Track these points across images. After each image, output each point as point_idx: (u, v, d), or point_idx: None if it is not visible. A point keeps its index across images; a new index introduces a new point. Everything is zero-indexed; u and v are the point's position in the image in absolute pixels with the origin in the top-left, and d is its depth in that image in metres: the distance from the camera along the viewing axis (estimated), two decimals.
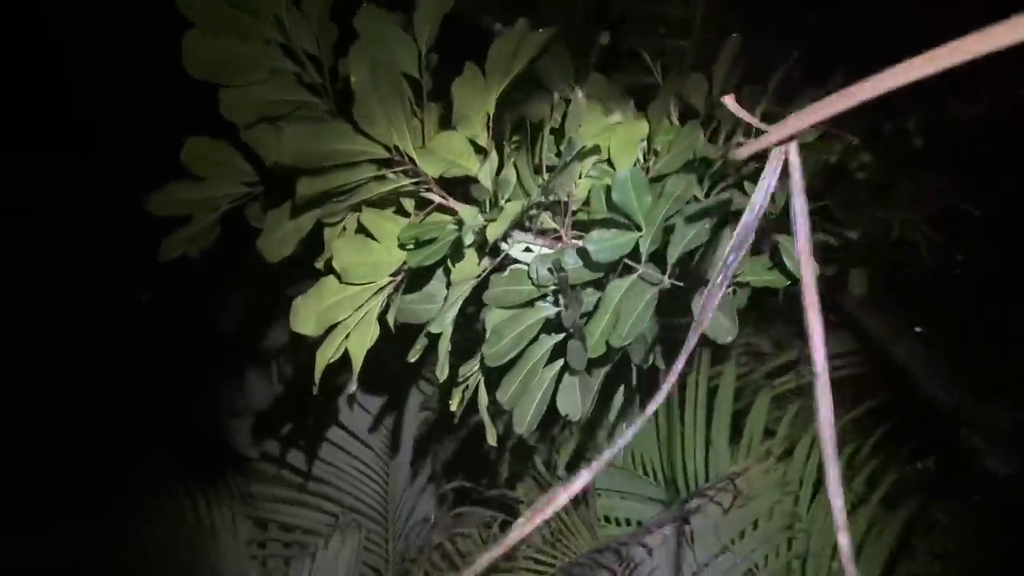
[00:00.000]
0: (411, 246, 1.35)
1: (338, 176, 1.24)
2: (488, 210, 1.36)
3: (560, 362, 1.50)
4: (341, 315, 1.31)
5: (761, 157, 1.00)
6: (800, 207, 1.00)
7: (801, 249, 1.04)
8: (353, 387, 1.34)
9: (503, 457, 2.91)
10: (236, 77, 1.30)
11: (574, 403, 1.43)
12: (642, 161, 1.72)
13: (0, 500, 3.37)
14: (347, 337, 1.34)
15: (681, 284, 1.50)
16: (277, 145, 1.14)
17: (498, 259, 1.55)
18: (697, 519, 2.68)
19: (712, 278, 1.43)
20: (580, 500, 2.93)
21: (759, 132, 0.99)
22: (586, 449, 2.93)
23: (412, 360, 1.59)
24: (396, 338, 1.57)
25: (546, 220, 1.59)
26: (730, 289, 1.91)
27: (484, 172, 1.34)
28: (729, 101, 0.99)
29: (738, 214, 1.56)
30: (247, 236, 1.46)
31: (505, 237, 1.55)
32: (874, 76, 0.92)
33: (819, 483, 3.12)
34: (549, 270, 1.51)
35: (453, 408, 1.66)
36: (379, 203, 1.41)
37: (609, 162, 1.64)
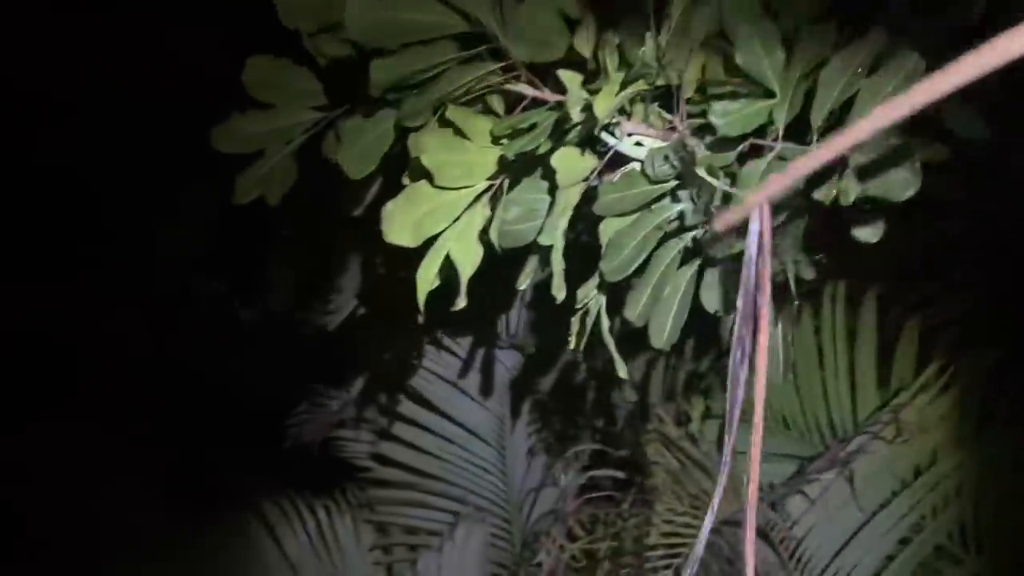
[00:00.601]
0: (506, 140, 1.16)
1: (416, 56, 1.06)
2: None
3: (695, 262, 1.28)
4: (438, 225, 1.13)
5: None
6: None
7: None
8: (462, 303, 1.16)
9: (629, 415, 2.69)
10: None
11: (721, 296, 1.20)
12: None
13: (123, 518, 3.39)
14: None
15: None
16: (346, 16, 0.97)
17: (606, 157, 1.34)
18: (858, 465, 2.39)
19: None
20: (718, 464, 2.67)
21: None
22: (718, 400, 2.67)
23: (522, 287, 1.40)
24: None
25: (656, 116, 1.37)
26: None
27: (581, 38, 1.14)
28: None
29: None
30: None
31: (612, 130, 1.35)
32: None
33: (985, 416, 2.76)
34: (666, 159, 1.30)
35: (573, 344, 1.46)
36: (465, 100, 1.22)
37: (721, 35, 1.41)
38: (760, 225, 1.01)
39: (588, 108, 1.14)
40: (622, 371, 1.45)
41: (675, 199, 1.35)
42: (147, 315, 4.55)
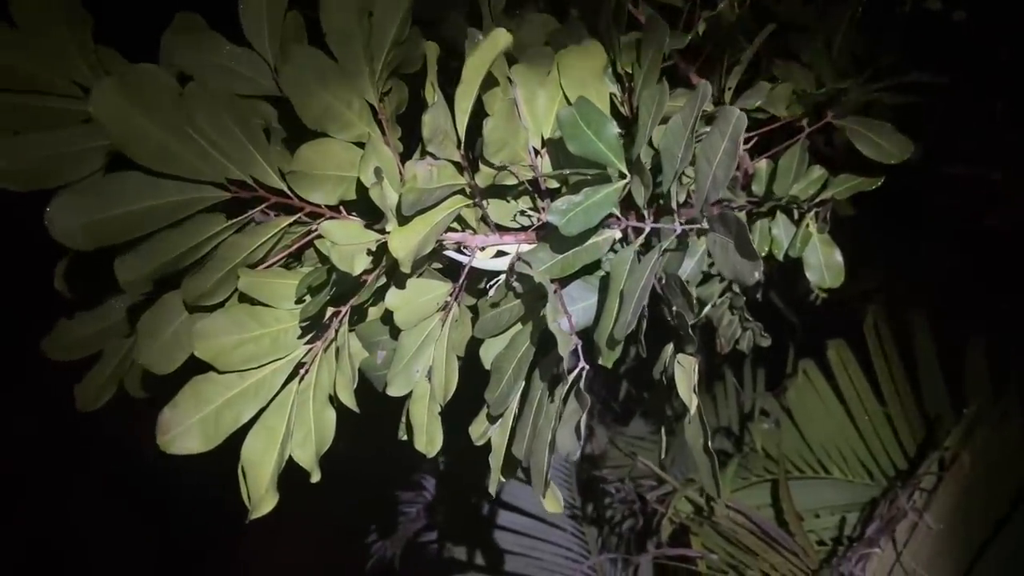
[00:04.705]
0: (307, 297, 1.02)
1: (166, 243, 0.95)
2: (395, 214, 1.00)
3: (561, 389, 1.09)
4: (242, 417, 1.00)
5: None
6: None
7: None
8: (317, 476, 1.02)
9: None
10: None
11: (572, 438, 1.01)
12: (619, 96, 1.31)
13: None
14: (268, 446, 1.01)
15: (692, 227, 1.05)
16: (48, 222, 0.86)
17: (462, 279, 1.18)
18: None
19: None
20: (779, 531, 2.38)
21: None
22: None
23: (403, 438, 1.25)
24: None
25: (504, 210, 1.21)
26: (812, 213, 1.41)
27: (367, 166, 1.00)
28: None
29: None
30: None
31: (460, 248, 1.19)
32: None
33: None
34: (514, 275, 1.13)
35: (490, 488, 1.26)
36: (276, 261, 1.10)
37: None
38: None
39: (382, 251, 0.99)
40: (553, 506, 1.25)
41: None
42: None
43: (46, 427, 3.58)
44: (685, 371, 1.09)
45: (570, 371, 1.05)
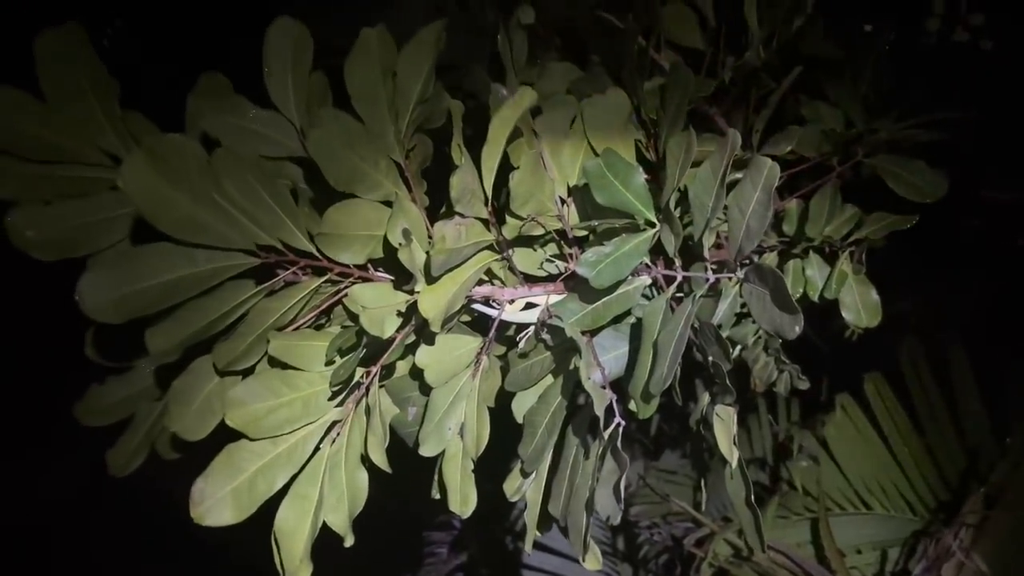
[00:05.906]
0: (336, 358, 1.01)
1: (196, 311, 0.95)
2: (423, 275, 0.99)
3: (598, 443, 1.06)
4: (275, 485, 0.98)
5: None
6: None
7: None
8: (350, 540, 0.99)
9: None
10: None
11: (612, 501, 0.98)
12: (645, 141, 1.30)
13: None
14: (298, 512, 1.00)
15: (732, 276, 1.03)
16: (78, 297, 0.86)
17: (491, 333, 1.17)
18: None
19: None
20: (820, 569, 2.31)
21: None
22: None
23: (436, 496, 1.23)
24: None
25: (530, 259, 1.19)
26: (846, 253, 1.38)
27: (395, 227, 0.99)
28: None
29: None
30: None
31: (489, 302, 1.18)
32: None
33: None
34: (544, 327, 1.11)
35: (527, 546, 1.24)
36: (306, 323, 1.10)
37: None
38: None
39: (411, 310, 0.98)
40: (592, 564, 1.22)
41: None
42: None
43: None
44: (724, 424, 1.06)
45: (605, 425, 1.02)
